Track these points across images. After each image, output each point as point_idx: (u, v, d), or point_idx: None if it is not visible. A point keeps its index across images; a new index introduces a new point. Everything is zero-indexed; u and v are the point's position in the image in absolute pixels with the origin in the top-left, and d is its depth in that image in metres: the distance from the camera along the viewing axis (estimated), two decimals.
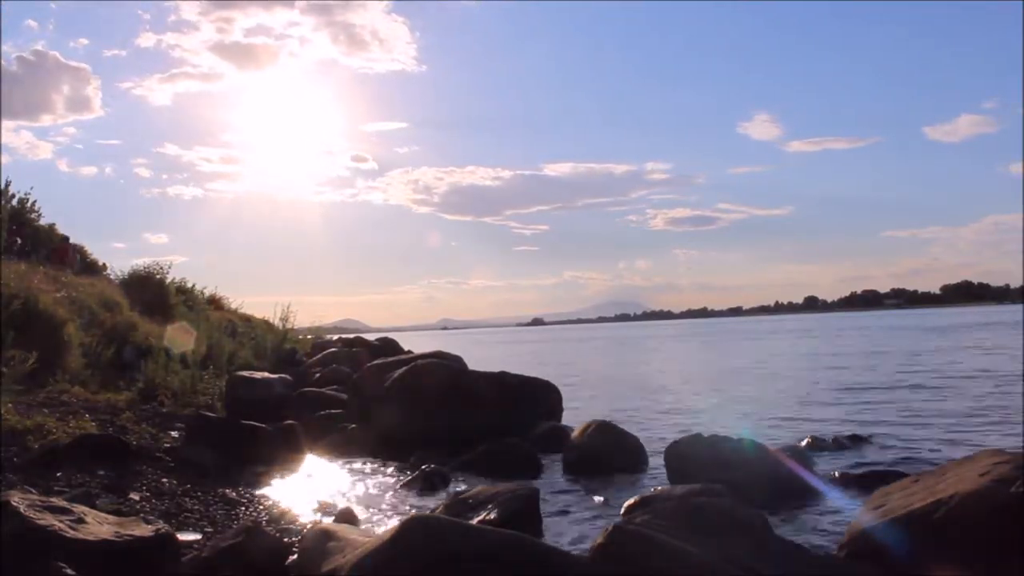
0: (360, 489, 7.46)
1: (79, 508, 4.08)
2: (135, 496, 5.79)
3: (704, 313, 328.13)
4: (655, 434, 10.36)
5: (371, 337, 22.49)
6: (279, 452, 8.29)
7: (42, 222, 18.66)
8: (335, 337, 23.99)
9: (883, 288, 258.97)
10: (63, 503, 4.12)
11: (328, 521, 5.45)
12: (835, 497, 6.78)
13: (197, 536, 4.99)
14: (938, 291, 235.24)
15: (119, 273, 19.32)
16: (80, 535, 3.74)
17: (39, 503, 3.96)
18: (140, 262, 19.60)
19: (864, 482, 7.14)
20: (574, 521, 6.22)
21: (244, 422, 8.67)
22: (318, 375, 14.53)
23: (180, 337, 13.69)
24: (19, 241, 15.69)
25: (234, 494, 6.47)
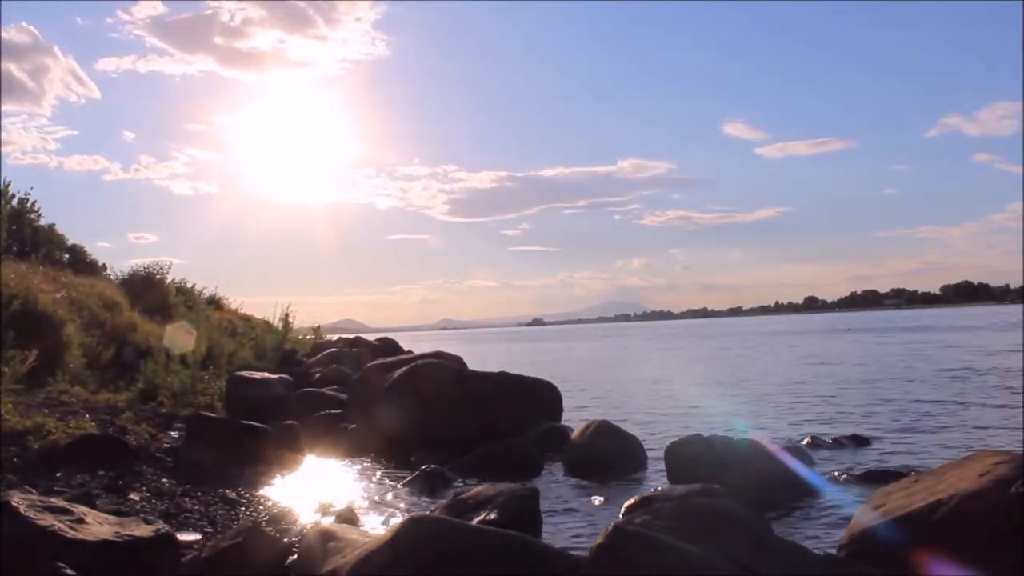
0: (360, 489, 7.46)
1: (79, 508, 4.09)
2: (135, 496, 5.80)
3: (704, 313, 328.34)
4: (655, 434, 10.36)
5: (371, 337, 22.48)
6: (279, 452, 8.28)
7: (42, 222, 18.64)
8: (335, 337, 23.99)
9: (883, 288, 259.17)
10: (63, 503, 4.12)
11: (328, 521, 5.45)
12: (835, 497, 6.78)
13: (197, 536, 4.99)
14: (938, 291, 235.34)
15: (119, 273, 19.33)
16: (80, 535, 3.74)
17: (39, 503, 3.96)
18: (139, 262, 19.61)
19: (864, 482, 7.15)
20: (574, 521, 6.22)
21: (244, 422, 8.67)
22: (318, 375, 14.52)
23: (180, 337, 13.70)
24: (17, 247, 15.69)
25: (234, 494, 6.47)
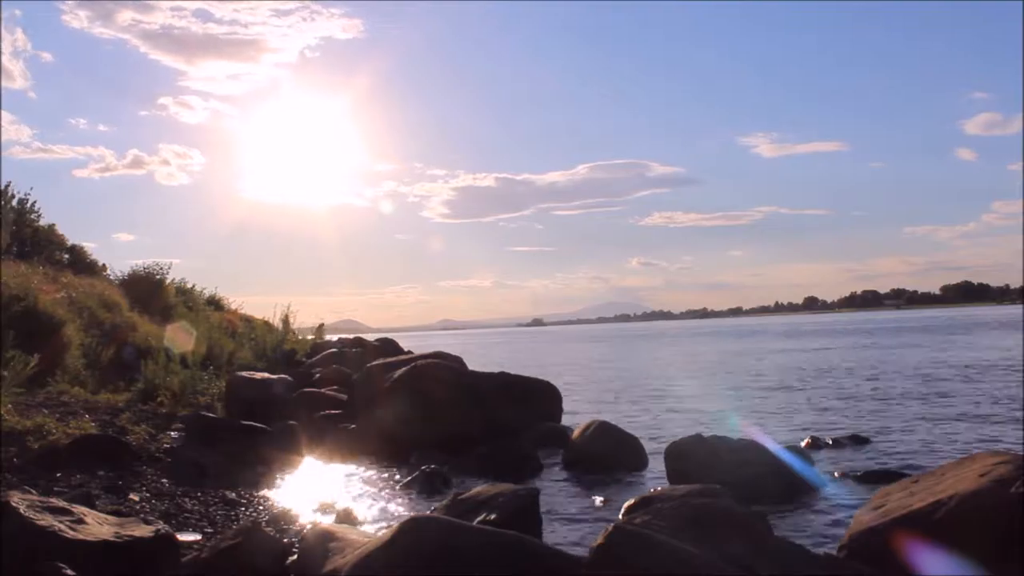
0: (360, 490, 7.46)
1: (79, 508, 4.09)
2: (135, 497, 5.80)
3: (704, 313, 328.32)
4: (655, 434, 10.36)
5: (371, 338, 22.48)
6: (279, 452, 8.29)
7: (42, 222, 18.63)
8: (335, 338, 24.00)
9: (883, 288, 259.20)
10: (63, 503, 4.12)
11: (328, 521, 5.45)
12: (835, 497, 6.78)
13: (197, 537, 4.99)
14: (938, 291, 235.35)
15: (119, 274, 19.34)
16: (80, 535, 3.75)
17: (39, 503, 3.97)
18: (139, 263, 19.63)
19: (864, 482, 7.15)
20: (574, 521, 6.22)
21: (244, 422, 8.68)
22: (318, 375, 14.53)
23: (180, 337, 13.70)
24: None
25: (234, 495, 6.47)
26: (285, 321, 20.01)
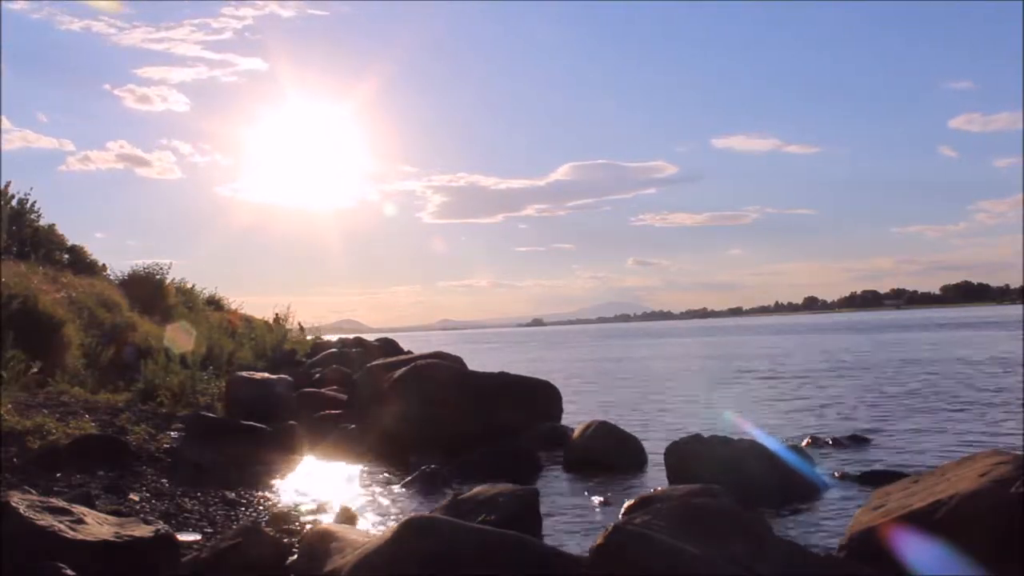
0: (360, 490, 7.46)
1: (79, 508, 4.09)
2: (134, 497, 5.80)
3: (704, 313, 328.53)
4: (655, 434, 10.35)
5: (371, 338, 22.51)
6: (279, 453, 8.29)
7: (42, 222, 18.63)
8: (336, 338, 24.05)
9: (883, 288, 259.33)
10: (63, 503, 4.12)
11: (328, 521, 5.45)
12: (835, 497, 6.78)
13: (197, 536, 4.99)
14: (938, 291, 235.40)
15: (119, 274, 19.36)
16: (80, 535, 3.75)
17: (39, 503, 3.97)
18: (139, 263, 19.68)
19: (864, 482, 7.14)
20: (574, 521, 6.22)
21: (244, 422, 8.69)
22: (318, 375, 14.54)
23: (180, 337, 13.71)
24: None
25: (234, 495, 6.47)
26: (287, 321, 20.08)
